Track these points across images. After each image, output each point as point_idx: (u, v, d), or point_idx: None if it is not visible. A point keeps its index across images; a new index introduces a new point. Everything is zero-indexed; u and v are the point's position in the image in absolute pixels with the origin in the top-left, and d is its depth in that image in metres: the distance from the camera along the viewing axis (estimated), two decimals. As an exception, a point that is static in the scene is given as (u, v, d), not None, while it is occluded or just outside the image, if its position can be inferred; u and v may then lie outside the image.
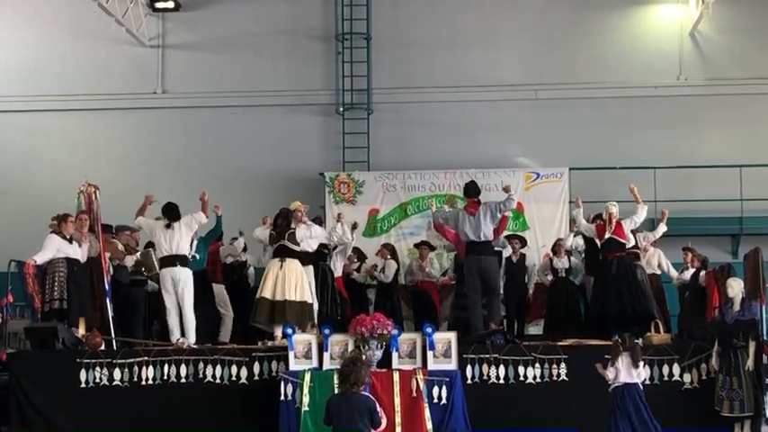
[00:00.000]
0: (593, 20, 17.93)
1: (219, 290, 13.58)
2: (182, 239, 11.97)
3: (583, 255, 13.82)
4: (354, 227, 13.58)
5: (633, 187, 12.79)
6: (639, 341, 10.85)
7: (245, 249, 14.23)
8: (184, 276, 11.92)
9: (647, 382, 10.19)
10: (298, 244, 12.05)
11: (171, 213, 12.13)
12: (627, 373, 9.67)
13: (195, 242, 12.67)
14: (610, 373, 9.73)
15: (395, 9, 18.14)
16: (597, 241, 12.68)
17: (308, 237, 12.22)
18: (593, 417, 10.70)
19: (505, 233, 14.17)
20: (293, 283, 11.83)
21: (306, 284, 12.04)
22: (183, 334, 11.91)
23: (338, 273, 13.68)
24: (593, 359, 10.83)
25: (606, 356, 9.98)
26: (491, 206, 12.16)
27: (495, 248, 13.02)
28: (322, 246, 13.04)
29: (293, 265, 11.93)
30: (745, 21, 17.55)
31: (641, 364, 9.75)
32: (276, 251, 12.05)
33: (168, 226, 12.00)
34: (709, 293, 12.38)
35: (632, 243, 12.91)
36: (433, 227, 13.20)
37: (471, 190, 12.38)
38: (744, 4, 17.47)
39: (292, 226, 12.09)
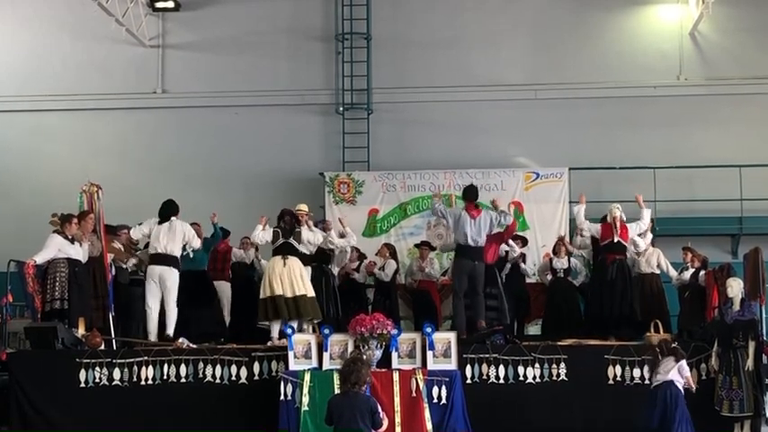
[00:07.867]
0: (593, 20, 17.90)
1: (225, 288, 13.64)
2: (177, 243, 12.16)
3: (587, 256, 13.82)
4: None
5: (638, 197, 12.98)
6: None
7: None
8: (173, 277, 12.13)
9: (646, 381, 10.24)
10: (301, 244, 12.12)
11: (170, 210, 12.27)
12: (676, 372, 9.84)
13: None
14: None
15: (395, 9, 18.12)
16: (599, 242, 12.76)
17: (310, 241, 12.28)
18: (593, 417, 10.73)
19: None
20: (300, 279, 11.89)
21: (309, 281, 12.11)
22: (162, 334, 12.01)
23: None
24: (593, 359, 10.87)
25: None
26: (491, 215, 12.25)
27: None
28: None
29: (297, 262, 11.98)
30: (745, 21, 17.52)
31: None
32: (279, 248, 12.06)
33: (169, 224, 12.15)
34: (708, 293, 12.37)
35: (642, 248, 13.00)
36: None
37: (471, 193, 12.39)
38: (744, 4, 17.46)
39: (298, 228, 12.15)
